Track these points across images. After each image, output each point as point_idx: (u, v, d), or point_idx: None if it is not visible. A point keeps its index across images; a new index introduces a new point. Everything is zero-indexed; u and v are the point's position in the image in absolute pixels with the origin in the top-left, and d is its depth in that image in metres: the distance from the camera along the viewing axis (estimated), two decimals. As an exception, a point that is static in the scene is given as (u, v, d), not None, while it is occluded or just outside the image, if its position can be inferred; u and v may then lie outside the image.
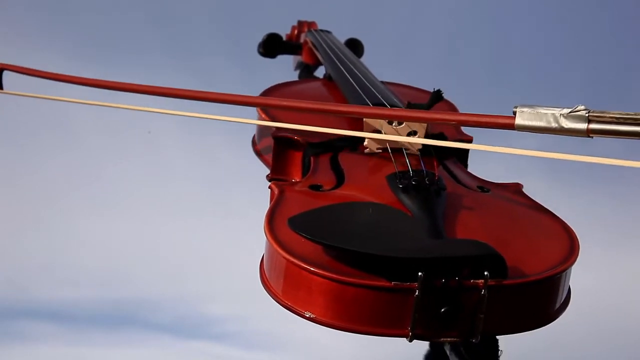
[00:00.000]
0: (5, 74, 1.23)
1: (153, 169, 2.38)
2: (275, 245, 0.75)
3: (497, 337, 0.79)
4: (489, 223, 0.84)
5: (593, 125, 0.71)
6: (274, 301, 0.77)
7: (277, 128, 1.03)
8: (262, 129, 1.12)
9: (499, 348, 0.78)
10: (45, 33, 2.41)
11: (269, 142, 1.04)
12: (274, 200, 0.85)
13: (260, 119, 1.10)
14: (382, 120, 0.97)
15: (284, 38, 1.57)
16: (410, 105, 1.03)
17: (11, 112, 2.31)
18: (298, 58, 1.56)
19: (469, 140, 1.05)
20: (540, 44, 2.50)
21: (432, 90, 1.02)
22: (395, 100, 1.08)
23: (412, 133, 0.97)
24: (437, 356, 0.87)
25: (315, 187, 0.90)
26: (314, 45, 1.44)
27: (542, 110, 0.74)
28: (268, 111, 1.08)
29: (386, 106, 1.03)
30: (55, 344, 2.31)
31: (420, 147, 0.97)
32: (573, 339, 1.93)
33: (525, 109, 0.75)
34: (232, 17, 2.48)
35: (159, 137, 2.29)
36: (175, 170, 2.39)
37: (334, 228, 0.74)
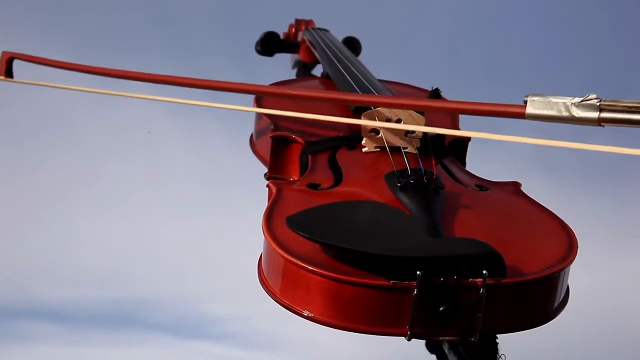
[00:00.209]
0: (16, 62, 1.24)
1: (153, 169, 2.38)
2: (273, 244, 0.75)
3: (497, 338, 0.79)
4: (487, 222, 0.84)
5: (604, 114, 0.71)
6: (272, 300, 0.77)
7: (275, 127, 1.03)
8: (260, 128, 1.12)
9: (500, 353, 0.77)
10: (45, 33, 2.41)
11: (267, 140, 1.04)
12: (272, 199, 0.85)
13: (257, 114, 1.10)
14: (380, 118, 0.97)
15: (282, 36, 1.57)
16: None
17: (11, 112, 2.31)
18: (296, 56, 1.56)
19: (467, 138, 1.05)
20: (540, 44, 2.50)
21: (430, 89, 1.02)
22: None
23: (410, 131, 0.97)
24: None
25: (313, 186, 0.90)
26: (312, 44, 1.44)
27: (553, 99, 0.73)
28: (261, 103, 1.09)
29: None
30: (55, 344, 2.31)
31: (419, 145, 0.97)
32: (572, 339, 1.92)
33: (536, 98, 0.74)
34: (232, 17, 2.48)
35: (159, 137, 2.29)
36: (175, 170, 2.39)
37: (332, 227, 0.74)
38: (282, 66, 1.59)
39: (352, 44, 1.49)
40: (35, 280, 2.36)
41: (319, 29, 1.51)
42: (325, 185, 0.90)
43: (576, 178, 2.22)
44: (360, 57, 1.44)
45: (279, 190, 0.86)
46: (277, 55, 1.56)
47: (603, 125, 0.71)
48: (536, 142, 0.74)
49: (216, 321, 2.39)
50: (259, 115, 1.11)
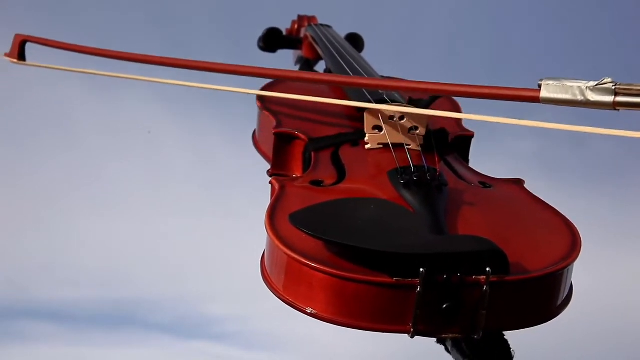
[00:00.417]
0: (29, 45, 1.25)
1: (153, 169, 2.38)
2: (276, 241, 0.75)
3: (505, 336, 0.78)
4: (490, 219, 0.83)
5: (620, 98, 0.70)
6: (274, 298, 0.76)
7: (278, 124, 1.03)
8: (263, 125, 1.12)
9: (511, 349, 0.77)
10: (45, 33, 2.41)
11: (269, 137, 1.04)
12: (274, 195, 0.85)
13: (259, 110, 1.10)
14: (383, 115, 0.97)
15: (284, 32, 1.57)
16: (411, 101, 1.02)
17: (11, 112, 2.31)
18: (298, 53, 1.56)
19: (471, 135, 1.05)
20: (540, 44, 2.50)
21: None
22: (396, 95, 1.08)
23: (413, 128, 0.97)
24: None
25: (316, 183, 0.90)
26: (314, 40, 1.43)
27: (568, 83, 0.72)
28: (264, 101, 1.08)
29: (388, 102, 1.03)
30: (55, 344, 2.30)
31: (422, 142, 0.96)
32: (572, 339, 1.92)
33: (551, 82, 0.73)
34: (232, 17, 2.48)
35: (159, 137, 2.29)
36: (175, 170, 2.39)
37: (335, 224, 0.74)
38: (284, 63, 1.59)
39: (355, 40, 1.49)
40: (35, 280, 2.36)
41: (321, 25, 1.51)
42: (328, 182, 0.90)
43: (576, 178, 2.22)
44: (363, 54, 1.43)
45: (281, 187, 0.86)
46: (280, 52, 1.56)
47: (618, 109, 0.70)
48: (557, 127, 0.73)
49: (216, 321, 2.38)
50: (261, 111, 1.11)
